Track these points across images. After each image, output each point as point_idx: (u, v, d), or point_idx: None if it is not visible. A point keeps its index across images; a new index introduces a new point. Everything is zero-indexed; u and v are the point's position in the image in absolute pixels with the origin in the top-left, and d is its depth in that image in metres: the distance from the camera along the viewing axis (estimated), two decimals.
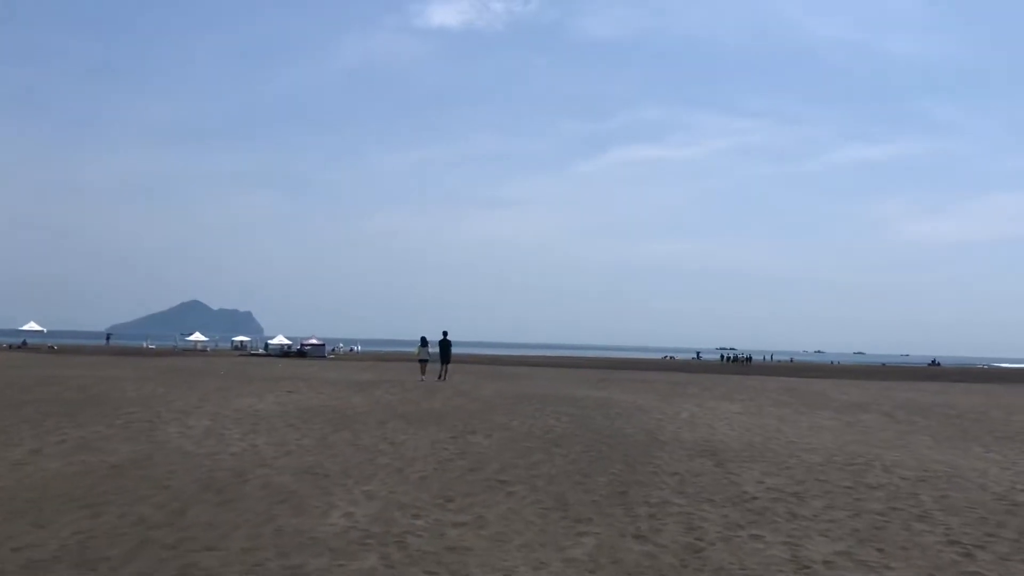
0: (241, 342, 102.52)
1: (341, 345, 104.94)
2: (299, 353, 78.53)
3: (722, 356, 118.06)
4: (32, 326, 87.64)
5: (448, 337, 34.29)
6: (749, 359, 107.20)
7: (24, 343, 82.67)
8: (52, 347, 78.83)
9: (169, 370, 36.62)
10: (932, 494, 10.00)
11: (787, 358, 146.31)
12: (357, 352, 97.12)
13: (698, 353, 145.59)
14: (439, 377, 32.85)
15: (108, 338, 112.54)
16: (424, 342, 34.96)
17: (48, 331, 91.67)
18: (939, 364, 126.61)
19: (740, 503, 9.20)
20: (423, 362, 34.35)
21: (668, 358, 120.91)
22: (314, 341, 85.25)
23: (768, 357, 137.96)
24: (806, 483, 10.54)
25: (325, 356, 76.96)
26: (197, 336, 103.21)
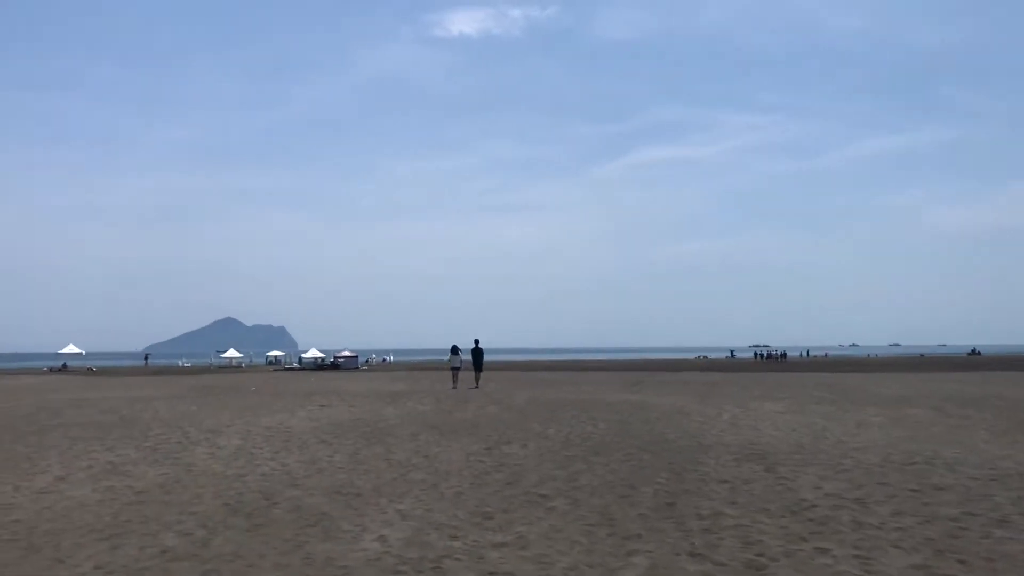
0: (275, 357, 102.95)
1: (374, 356, 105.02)
2: (332, 366, 78.58)
3: (756, 354, 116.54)
4: (71, 348, 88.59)
5: (480, 345, 33.95)
6: (783, 356, 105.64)
7: (64, 366, 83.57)
8: (91, 369, 79.61)
9: (202, 388, 36.56)
10: (1007, 495, 9.29)
11: (821, 353, 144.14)
12: (389, 363, 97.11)
13: (732, 352, 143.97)
14: (474, 384, 32.45)
15: (147, 358, 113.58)
16: (455, 350, 34.61)
17: (87, 353, 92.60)
18: (979, 353, 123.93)
19: (799, 512, 8.60)
20: (455, 370, 33.99)
21: (702, 358, 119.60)
22: (347, 353, 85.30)
23: (804, 353, 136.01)
24: (867, 487, 9.89)
25: (358, 368, 76.93)
26: (232, 353, 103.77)
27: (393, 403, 24.46)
